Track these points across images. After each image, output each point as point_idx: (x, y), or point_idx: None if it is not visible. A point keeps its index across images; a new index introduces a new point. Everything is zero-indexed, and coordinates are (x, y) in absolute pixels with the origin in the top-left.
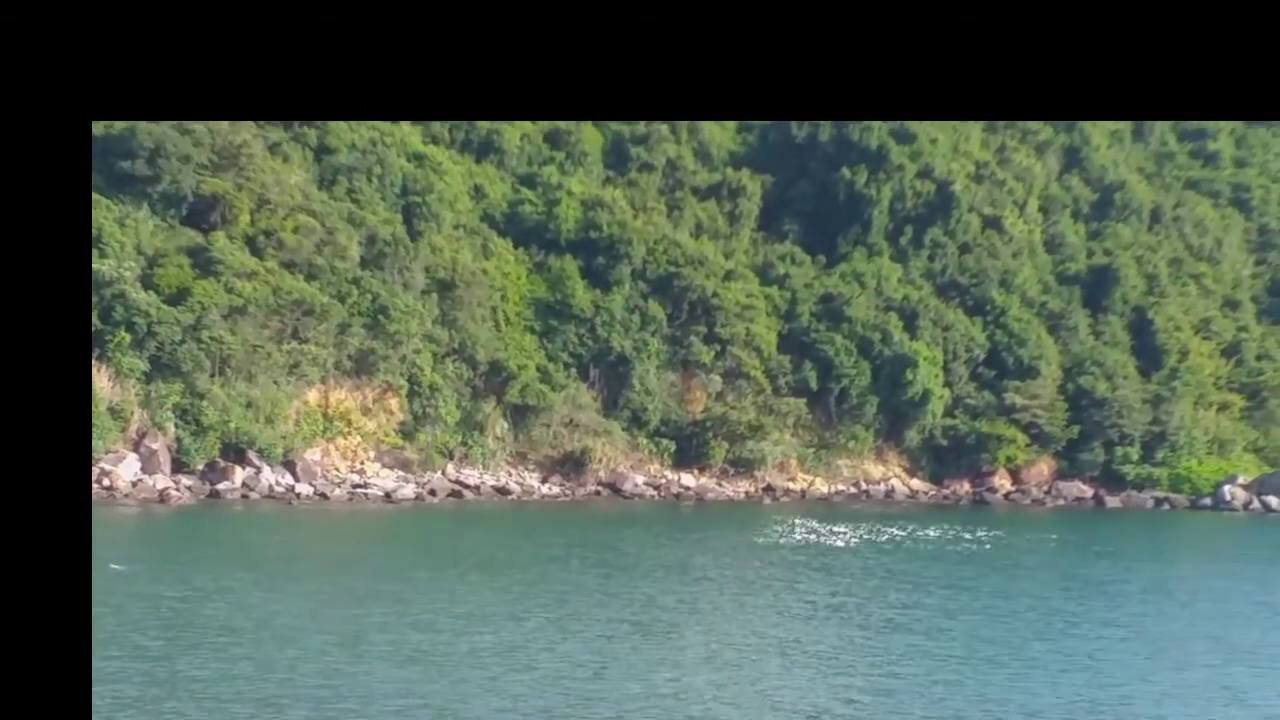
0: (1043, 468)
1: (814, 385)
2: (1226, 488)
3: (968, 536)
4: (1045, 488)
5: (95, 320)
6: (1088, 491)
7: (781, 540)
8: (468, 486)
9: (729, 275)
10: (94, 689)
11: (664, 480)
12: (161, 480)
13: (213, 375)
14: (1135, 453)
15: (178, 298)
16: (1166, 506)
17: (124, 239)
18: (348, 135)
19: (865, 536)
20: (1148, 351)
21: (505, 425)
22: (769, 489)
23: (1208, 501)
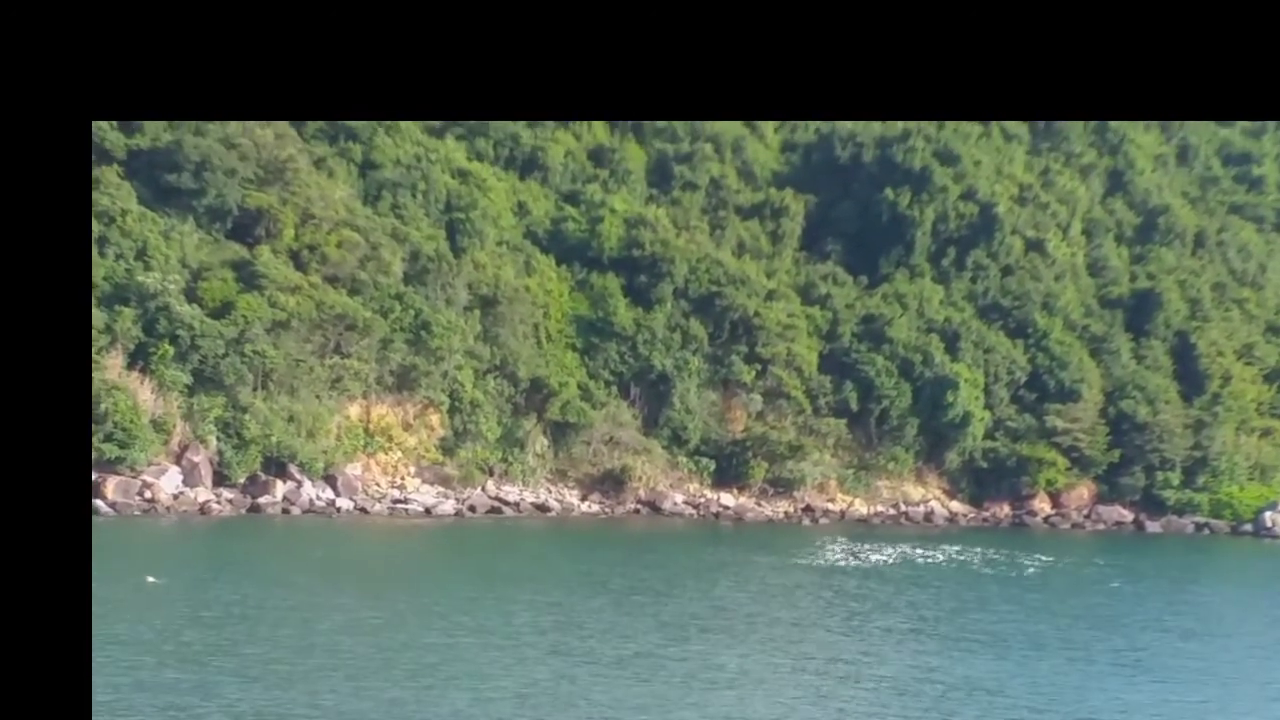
0: (1083, 491)
1: (854, 406)
2: (1268, 514)
3: (1007, 560)
4: (1085, 511)
5: (139, 333)
6: (1128, 516)
7: (820, 561)
8: (507, 503)
9: (771, 295)
10: (125, 701)
11: (703, 499)
12: (203, 493)
13: (255, 389)
14: (1176, 478)
15: (221, 311)
16: (1207, 532)
17: (169, 252)
18: (392, 151)
19: (904, 558)
20: (1190, 376)
21: (545, 442)
22: (808, 509)
23: (1249, 528)
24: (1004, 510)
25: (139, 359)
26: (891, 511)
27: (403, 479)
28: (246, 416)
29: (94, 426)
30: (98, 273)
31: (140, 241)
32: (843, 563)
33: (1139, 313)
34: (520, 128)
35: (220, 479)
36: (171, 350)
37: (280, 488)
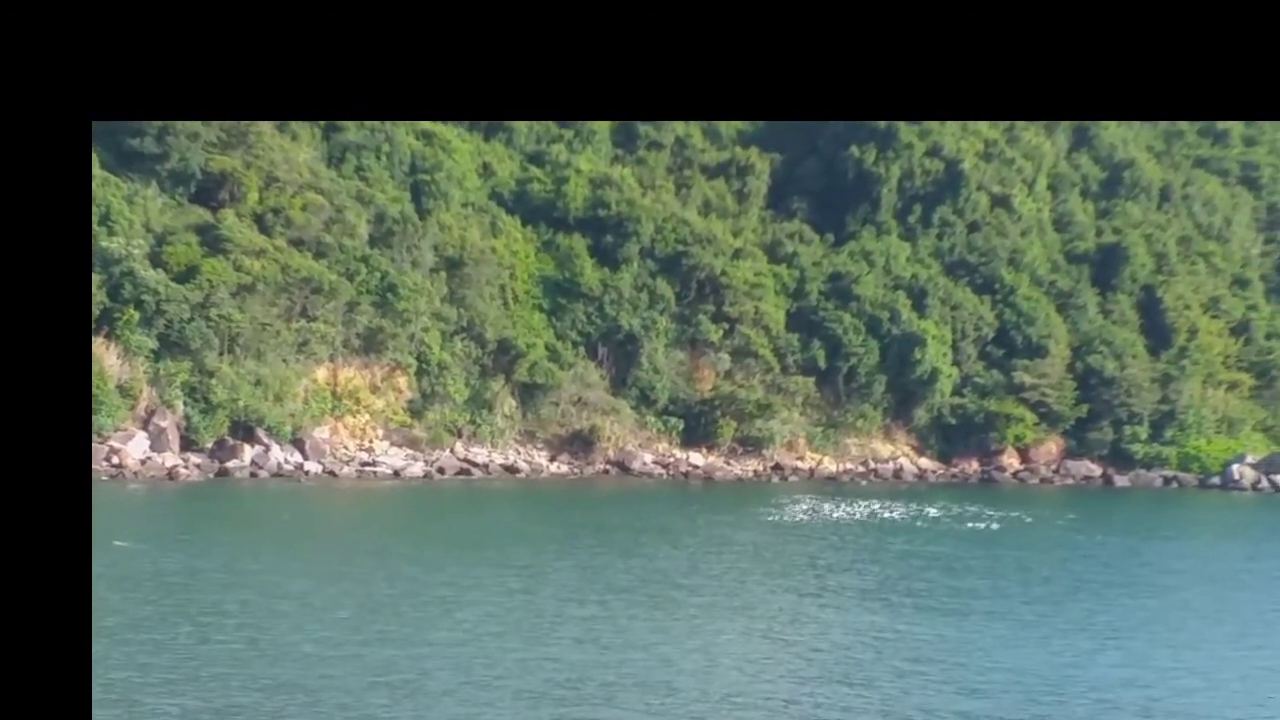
0: (1051, 446)
1: (822, 364)
2: (1235, 467)
3: (976, 515)
4: (1054, 466)
5: (104, 298)
6: (1096, 470)
7: (789, 518)
8: (476, 465)
9: (737, 254)
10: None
11: (672, 459)
12: (170, 458)
13: (221, 353)
14: (1144, 432)
15: (186, 275)
16: (1175, 485)
17: (133, 217)
18: None
19: (872, 515)
20: (1157, 330)
21: (514, 403)
22: (777, 468)
23: (1216, 480)
24: (973, 466)
25: (104, 324)
26: (860, 469)
27: (371, 442)
28: (213, 381)
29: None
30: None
31: (104, 206)
32: (810, 520)
33: (1105, 267)
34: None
35: (188, 444)
36: (137, 315)
37: (248, 452)
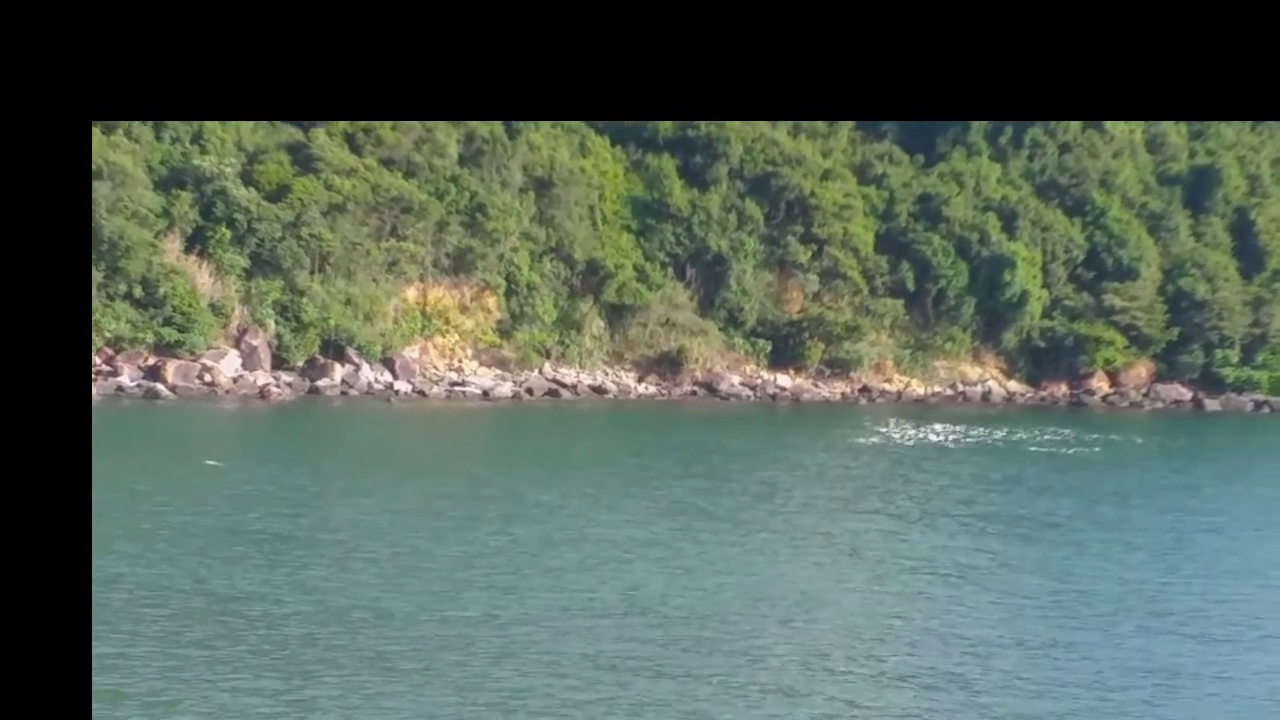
0: (1141, 370)
1: (911, 286)
2: None
3: (1062, 439)
4: (1143, 390)
5: (196, 216)
6: (1186, 394)
7: (877, 440)
8: (564, 385)
9: (826, 175)
10: (186, 580)
11: (760, 380)
12: (262, 376)
13: (312, 272)
14: (1235, 355)
15: (278, 194)
16: (1266, 410)
17: (224, 135)
18: None
19: (962, 437)
20: (1249, 253)
21: (602, 324)
22: (865, 390)
23: None
24: (1061, 390)
25: (196, 242)
26: (949, 392)
27: (460, 362)
28: (304, 300)
29: (153, 310)
30: (154, 156)
31: (196, 125)
32: (897, 442)
33: (1197, 189)
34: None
35: (279, 362)
36: (229, 234)
37: (338, 371)
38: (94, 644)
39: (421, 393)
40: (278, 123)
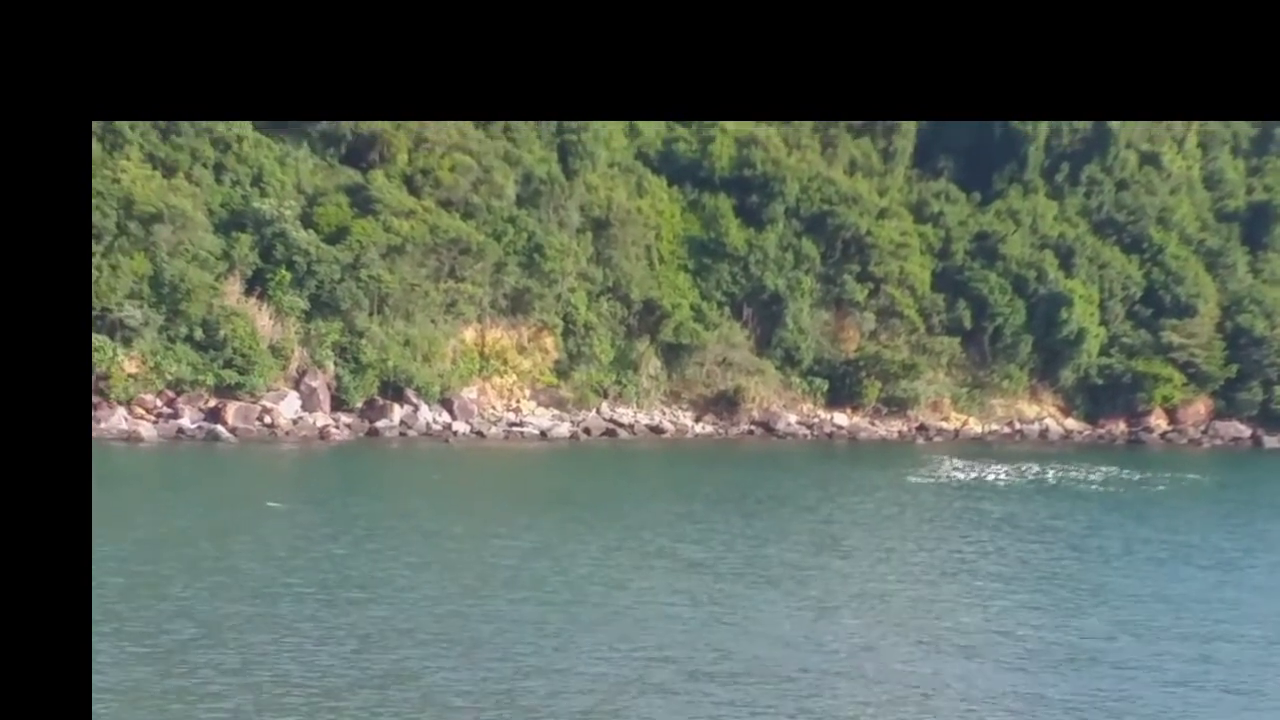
0: (1200, 407)
1: (968, 324)
2: None
3: (1125, 477)
4: (1202, 427)
5: (256, 259)
6: (1245, 431)
7: (935, 480)
8: (622, 425)
9: (883, 213)
10: (255, 616)
11: (817, 419)
12: (321, 418)
13: (371, 314)
14: None
15: (337, 236)
16: None
17: (284, 178)
18: None
19: (1020, 476)
20: None
21: (659, 364)
22: (922, 428)
23: None
24: (1120, 427)
25: (256, 285)
26: (1006, 430)
27: (518, 402)
28: (363, 341)
29: (213, 352)
30: (214, 199)
31: (256, 168)
32: (957, 479)
33: (1255, 225)
34: None
35: (338, 403)
36: (288, 276)
37: (397, 411)
38: (166, 680)
39: (480, 433)
40: (336, 165)
